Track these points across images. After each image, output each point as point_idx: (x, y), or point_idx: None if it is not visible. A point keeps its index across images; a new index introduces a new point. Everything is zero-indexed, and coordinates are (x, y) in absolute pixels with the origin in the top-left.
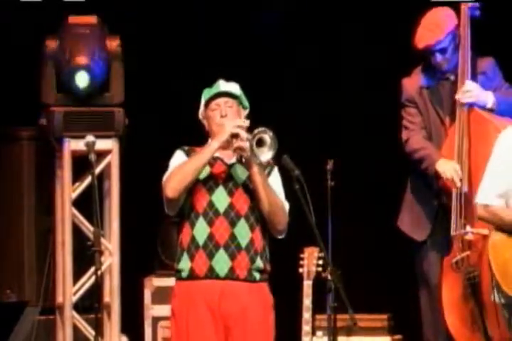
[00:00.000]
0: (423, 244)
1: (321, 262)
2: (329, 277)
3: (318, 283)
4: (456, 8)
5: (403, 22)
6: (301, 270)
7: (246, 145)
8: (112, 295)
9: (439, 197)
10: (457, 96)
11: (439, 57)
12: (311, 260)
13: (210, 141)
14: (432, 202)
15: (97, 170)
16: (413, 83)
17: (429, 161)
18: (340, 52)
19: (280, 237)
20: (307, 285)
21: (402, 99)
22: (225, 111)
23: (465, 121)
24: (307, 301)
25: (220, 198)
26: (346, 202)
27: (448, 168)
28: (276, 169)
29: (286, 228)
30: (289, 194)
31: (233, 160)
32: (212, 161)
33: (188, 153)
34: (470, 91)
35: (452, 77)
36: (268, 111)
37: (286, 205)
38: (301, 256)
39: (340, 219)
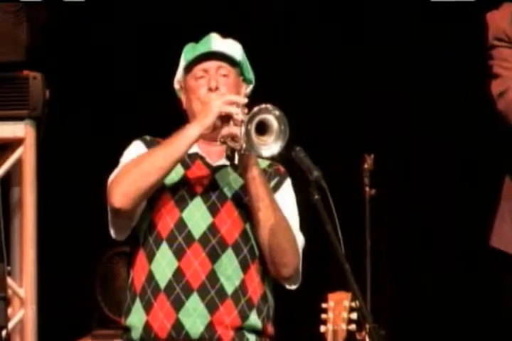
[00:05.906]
0: None
1: (354, 316)
2: (367, 339)
3: None
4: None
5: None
6: (323, 328)
7: (240, 131)
8: None
9: None
10: None
11: None
12: (339, 312)
13: (187, 125)
14: None
15: (1, 170)
16: (505, 13)
17: None
18: None
19: (291, 287)
20: None
21: (490, 40)
22: (216, 81)
23: None
24: None
25: (196, 216)
26: (394, 220)
27: None
28: (288, 181)
29: (299, 275)
30: (306, 208)
31: (221, 160)
32: (188, 160)
33: (151, 146)
34: None
35: None
36: (278, 88)
37: (300, 240)
38: (324, 306)
39: (384, 247)
